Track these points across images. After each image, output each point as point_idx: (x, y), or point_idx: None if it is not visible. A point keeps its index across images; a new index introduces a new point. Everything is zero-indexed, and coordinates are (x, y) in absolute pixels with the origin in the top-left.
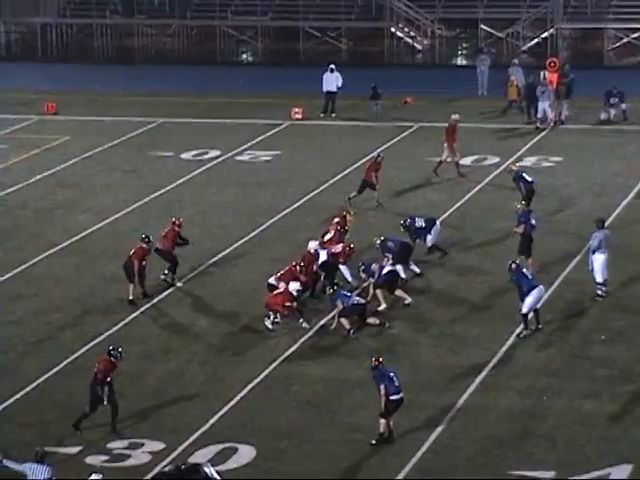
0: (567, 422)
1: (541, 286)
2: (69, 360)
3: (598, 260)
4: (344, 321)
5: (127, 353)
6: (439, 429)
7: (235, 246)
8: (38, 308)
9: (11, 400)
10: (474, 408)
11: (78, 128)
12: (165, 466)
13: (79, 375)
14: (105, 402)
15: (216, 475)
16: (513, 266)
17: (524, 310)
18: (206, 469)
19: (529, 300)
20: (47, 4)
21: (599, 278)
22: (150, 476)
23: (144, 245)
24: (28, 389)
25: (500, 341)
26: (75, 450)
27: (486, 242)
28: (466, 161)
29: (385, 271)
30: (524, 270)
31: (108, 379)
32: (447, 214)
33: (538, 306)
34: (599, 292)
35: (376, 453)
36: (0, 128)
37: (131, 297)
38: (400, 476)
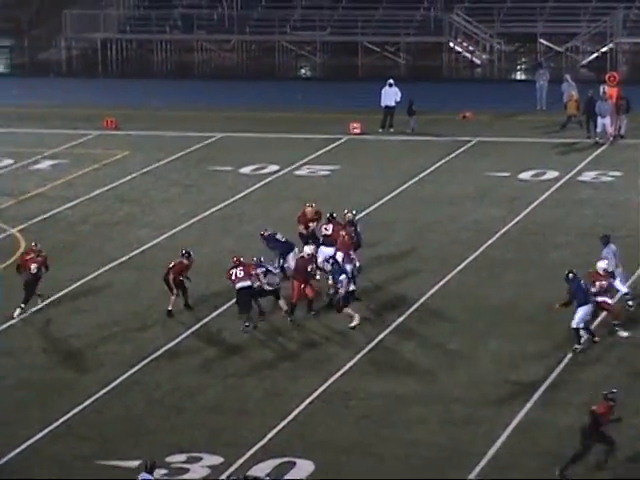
0: (627, 439)
1: (592, 303)
2: (128, 374)
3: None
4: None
5: (186, 367)
6: (498, 443)
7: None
8: (98, 322)
9: (71, 414)
10: (533, 424)
11: (138, 143)
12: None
13: (138, 389)
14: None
15: None
16: (570, 276)
17: (574, 324)
18: None
19: (579, 314)
20: (108, 20)
21: (624, 289)
22: None
23: (184, 260)
24: (87, 403)
25: (559, 356)
26: (134, 464)
27: (545, 257)
28: (525, 176)
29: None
30: (582, 282)
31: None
32: (506, 228)
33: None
34: (630, 303)
35: (435, 468)
36: (61, 143)
37: (170, 307)
38: None
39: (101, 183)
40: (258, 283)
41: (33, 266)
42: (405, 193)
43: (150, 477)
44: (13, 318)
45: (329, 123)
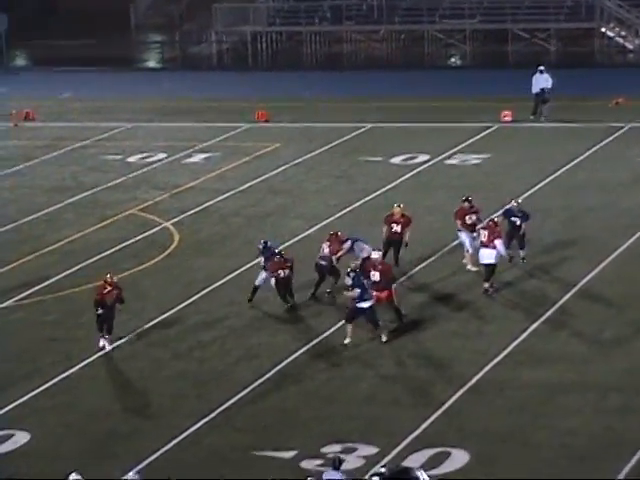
0: None
1: None
2: (282, 365)
3: None
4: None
5: (340, 357)
6: None
7: (445, 250)
8: (251, 314)
9: (227, 404)
10: None
11: (288, 135)
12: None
13: (292, 380)
14: None
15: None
16: None
17: None
18: (418, 473)
19: None
20: (257, 13)
21: None
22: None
23: (275, 258)
24: (243, 394)
25: None
26: (290, 455)
27: None
28: None
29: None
30: None
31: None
32: None
33: None
34: None
35: (591, 458)
36: (212, 136)
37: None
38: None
39: (253, 175)
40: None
41: (110, 301)
42: (558, 180)
43: (338, 476)
44: (103, 349)
45: (480, 111)
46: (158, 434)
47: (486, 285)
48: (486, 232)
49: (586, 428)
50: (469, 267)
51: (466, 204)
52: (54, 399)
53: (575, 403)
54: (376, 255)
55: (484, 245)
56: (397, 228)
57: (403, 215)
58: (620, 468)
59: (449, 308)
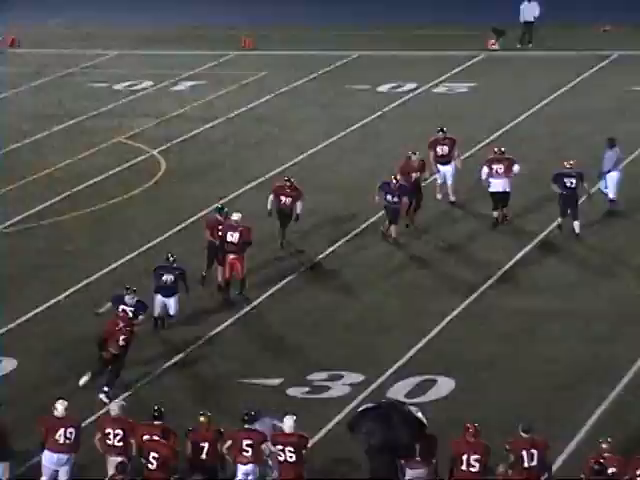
0: None
1: None
2: (268, 294)
3: (612, 178)
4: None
5: (325, 285)
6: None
7: (434, 178)
8: None
9: (213, 332)
10: None
11: (275, 63)
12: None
13: (278, 308)
14: None
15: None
16: None
17: None
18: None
19: None
20: None
21: (612, 195)
22: (350, 408)
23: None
24: (228, 322)
25: None
26: (276, 382)
27: None
28: None
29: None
30: None
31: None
32: None
33: None
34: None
35: (576, 385)
36: (199, 64)
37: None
38: (600, 409)
39: (240, 103)
40: None
41: (122, 338)
42: (544, 109)
43: (268, 419)
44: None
45: (467, 40)
46: (143, 359)
47: (496, 214)
48: (501, 165)
49: (571, 356)
50: (438, 196)
51: (440, 134)
52: (41, 326)
53: (559, 331)
54: (236, 217)
55: (500, 175)
56: (286, 200)
57: (295, 187)
58: (605, 394)
59: (432, 235)
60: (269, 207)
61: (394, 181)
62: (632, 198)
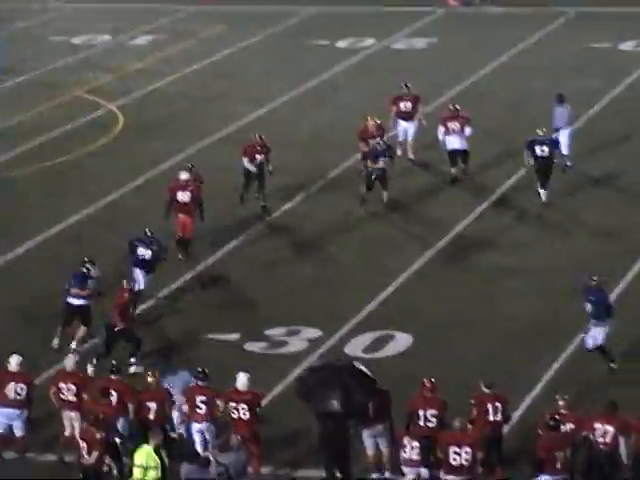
0: None
1: None
2: (233, 245)
3: (564, 134)
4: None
5: (283, 241)
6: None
7: (392, 133)
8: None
9: (171, 287)
10: (636, 293)
11: (234, 17)
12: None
13: (235, 265)
14: None
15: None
16: None
17: None
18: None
19: None
20: None
21: (565, 151)
22: (306, 365)
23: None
24: (187, 277)
25: None
26: (235, 337)
27: None
28: (626, 46)
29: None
30: None
31: None
32: (606, 101)
33: None
34: (568, 164)
35: (535, 338)
36: (157, 18)
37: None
38: (556, 365)
39: (198, 58)
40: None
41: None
42: (503, 64)
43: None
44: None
45: None
46: (106, 314)
47: (454, 171)
48: (456, 122)
49: (529, 314)
50: (398, 152)
51: (405, 90)
52: (0, 282)
53: (518, 287)
54: (184, 176)
55: (455, 133)
56: (261, 158)
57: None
58: (564, 346)
59: (391, 192)
60: (252, 169)
61: (380, 142)
62: (587, 155)
